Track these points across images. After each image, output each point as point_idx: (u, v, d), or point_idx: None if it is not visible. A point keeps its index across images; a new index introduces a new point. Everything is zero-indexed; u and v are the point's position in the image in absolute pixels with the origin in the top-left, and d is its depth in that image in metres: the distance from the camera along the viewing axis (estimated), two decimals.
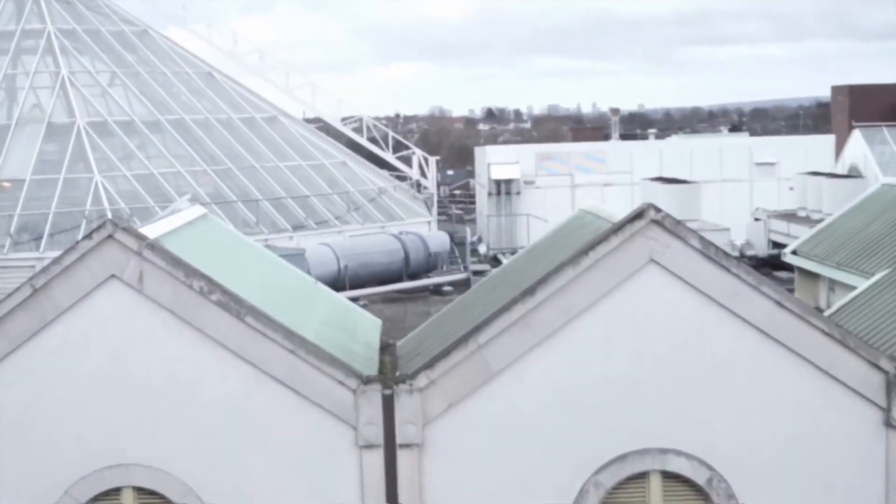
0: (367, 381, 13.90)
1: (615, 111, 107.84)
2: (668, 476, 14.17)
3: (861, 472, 14.24)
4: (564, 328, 14.00)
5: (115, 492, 13.90)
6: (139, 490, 13.91)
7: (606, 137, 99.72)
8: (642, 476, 14.16)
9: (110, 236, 13.75)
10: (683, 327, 14.06)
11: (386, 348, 17.45)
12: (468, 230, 57.32)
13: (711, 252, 14.00)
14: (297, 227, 51.24)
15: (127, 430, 13.77)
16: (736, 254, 46.49)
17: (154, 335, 13.81)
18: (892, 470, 14.25)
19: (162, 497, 13.91)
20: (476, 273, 49.08)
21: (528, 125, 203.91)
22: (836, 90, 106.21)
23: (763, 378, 14.10)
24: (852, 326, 17.77)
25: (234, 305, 13.75)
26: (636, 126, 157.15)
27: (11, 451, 13.71)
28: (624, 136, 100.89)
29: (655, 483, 14.16)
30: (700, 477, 14.09)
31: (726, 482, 14.09)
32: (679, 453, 14.07)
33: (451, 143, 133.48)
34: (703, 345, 14.06)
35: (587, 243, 14.16)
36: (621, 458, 14.06)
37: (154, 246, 13.83)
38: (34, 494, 13.75)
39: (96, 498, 13.89)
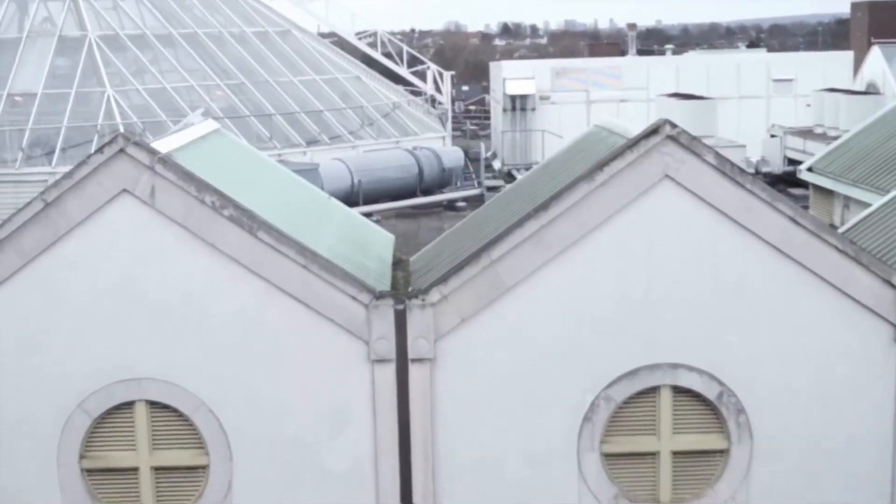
0: (379, 296, 13.92)
1: (632, 27, 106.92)
2: (679, 391, 14.22)
3: (871, 388, 14.26)
4: (578, 244, 13.96)
5: (128, 406, 14.01)
6: (152, 404, 14.02)
7: (623, 53, 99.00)
8: (653, 391, 14.21)
9: (122, 150, 13.69)
10: (697, 243, 14.00)
11: (399, 264, 17.47)
12: (483, 146, 57.20)
13: (727, 168, 13.89)
14: (311, 142, 51.15)
15: (140, 345, 13.84)
16: (751, 170, 46.28)
17: (166, 250, 13.81)
18: None
19: (175, 411, 14.02)
20: (490, 189, 49.11)
21: (544, 41, 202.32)
22: (856, 7, 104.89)
23: (776, 294, 14.07)
24: (866, 243, 17.70)
25: (247, 220, 13.73)
26: (653, 42, 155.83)
27: (24, 366, 13.80)
28: (641, 52, 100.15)
29: (666, 397, 14.21)
30: (710, 392, 14.14)
31: (736, 397, 14.14)
32: (690, 368, 14.10)
33: (467, 58, 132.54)
34: (717, 261, 14.01)
35: (602, 159, 14.06)
36: (632, 373, 14.10)
37: (166, 160, 13.77)
38: (47, 408, 13.87)
39: (109, 412, 14.00)
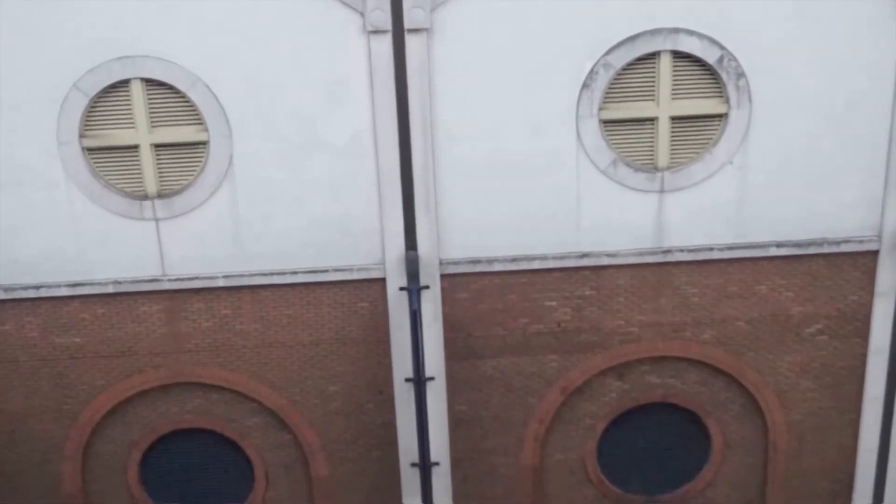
0: None
1: None
2: (679, 56, 14.04)
3: (873, 50, 14.07)
4: None
5: (124, 84, 13.90)
6: (148, 81, 13.90)
7: None
8: (652, 56, 14.03)
9: None
10: None
11: None
12: None
13: None
14: None
15: (133, 22, 13.54)
16: None
17: None
18: None
19: (171, 88, 13.92)
20: None
21: None
22: None
23: None
24: None
25: None
26: None
27: (17, 46, 13.58)
28: None
29: (665, 63, 14.05)
30: (710, 56, 13.96)
31: (737, 61, 13.98)
32: (690, 33, 13.86)
33: None
34: None
35: None
36: (632, 39, 13.88)
37: None
38: (43, 88, 13.77)
39: (106, 90, 13.90)
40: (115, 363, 15.21)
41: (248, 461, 16.02)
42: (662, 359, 15.54)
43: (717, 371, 15.63)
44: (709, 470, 16.32)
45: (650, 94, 14.22)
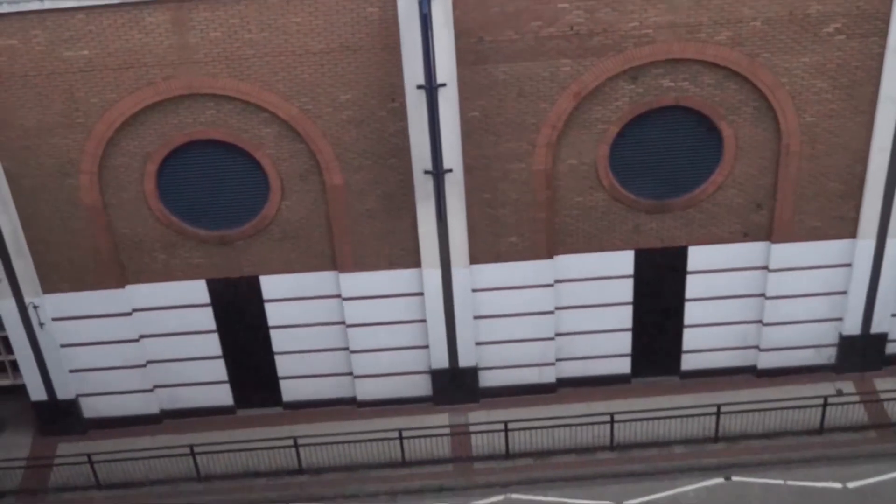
0: None
1: None
2: None
3: None
4: None
5: None
6: None
7: None
8: None
9: None
10: None
11: None
12: None
13: None
14: None
15: None
16: None
17: None
18: None
19: None
20: None
21: None
22: None
23: None
24: None
25: None
26: None
27: None
28: None
29: None
30: None
31: None
32: None
33: None
34: None
35: None
36: None
37: None
38: None
39: None
40: (125, 76, 15.12)
41: (263, 172, 16.15)
42: (677, 61, 15.33)
43: (732, 73, 15.45)
44: (720, 173, 16.39)
45: None
